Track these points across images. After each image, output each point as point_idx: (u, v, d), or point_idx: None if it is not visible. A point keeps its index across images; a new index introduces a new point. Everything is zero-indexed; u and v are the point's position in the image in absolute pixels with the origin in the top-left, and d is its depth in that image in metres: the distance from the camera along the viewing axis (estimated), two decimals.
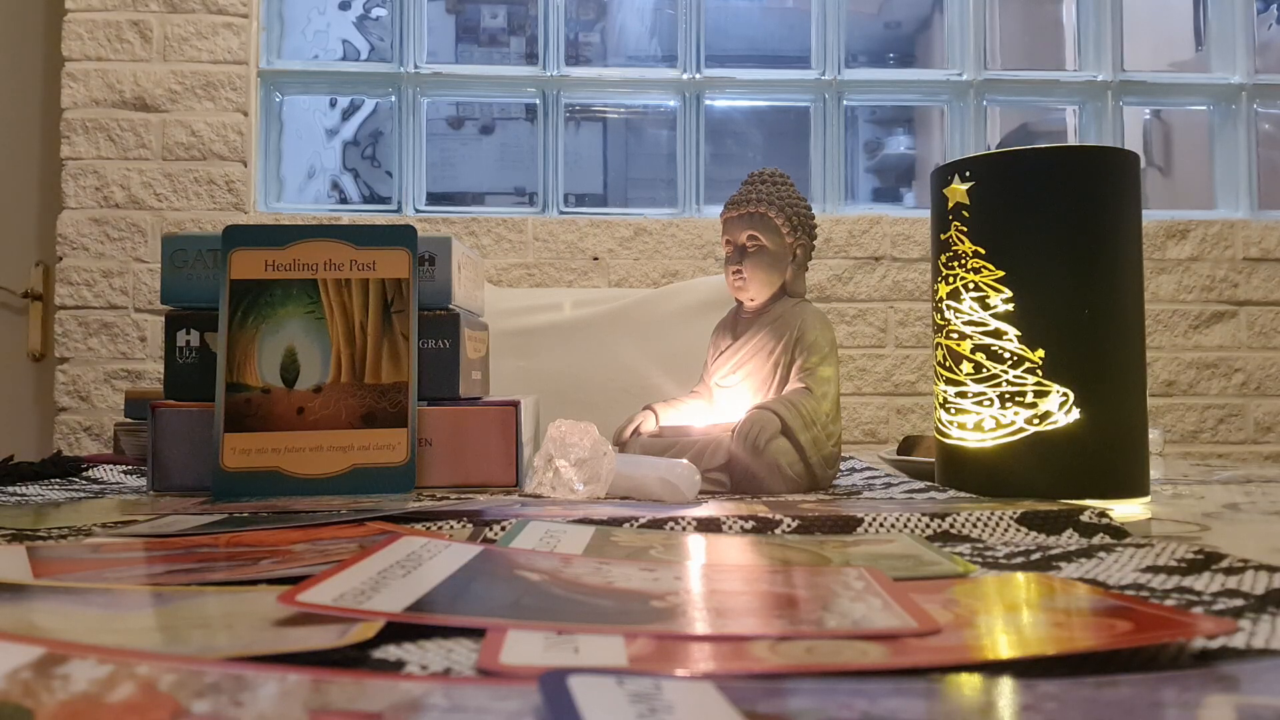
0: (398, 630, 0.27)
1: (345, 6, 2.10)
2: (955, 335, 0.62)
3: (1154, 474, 0.81)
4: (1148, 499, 0.60)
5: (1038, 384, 0.59)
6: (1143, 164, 1.23)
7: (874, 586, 0.32)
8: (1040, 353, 0.59)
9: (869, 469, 0.81)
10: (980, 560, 0.41)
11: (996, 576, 0.35)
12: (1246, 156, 1.91)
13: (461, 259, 0.73)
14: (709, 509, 0.53)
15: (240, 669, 0.22)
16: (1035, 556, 0.42)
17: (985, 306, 0.61)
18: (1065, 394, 0.58)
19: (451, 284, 0.69)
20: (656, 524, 0.48)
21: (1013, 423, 0.59)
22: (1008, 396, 0.59)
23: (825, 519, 0.48)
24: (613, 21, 2.33)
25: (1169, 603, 0.32)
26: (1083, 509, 0.49)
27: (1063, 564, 0.40)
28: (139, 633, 0.27)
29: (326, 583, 0.29)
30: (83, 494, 0.66)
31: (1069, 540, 0.46)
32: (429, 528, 0.47)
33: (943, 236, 0.64)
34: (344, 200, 2.12)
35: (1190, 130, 2.23)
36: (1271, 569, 0.37)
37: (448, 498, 0.61)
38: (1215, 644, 0.26)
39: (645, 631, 0.27)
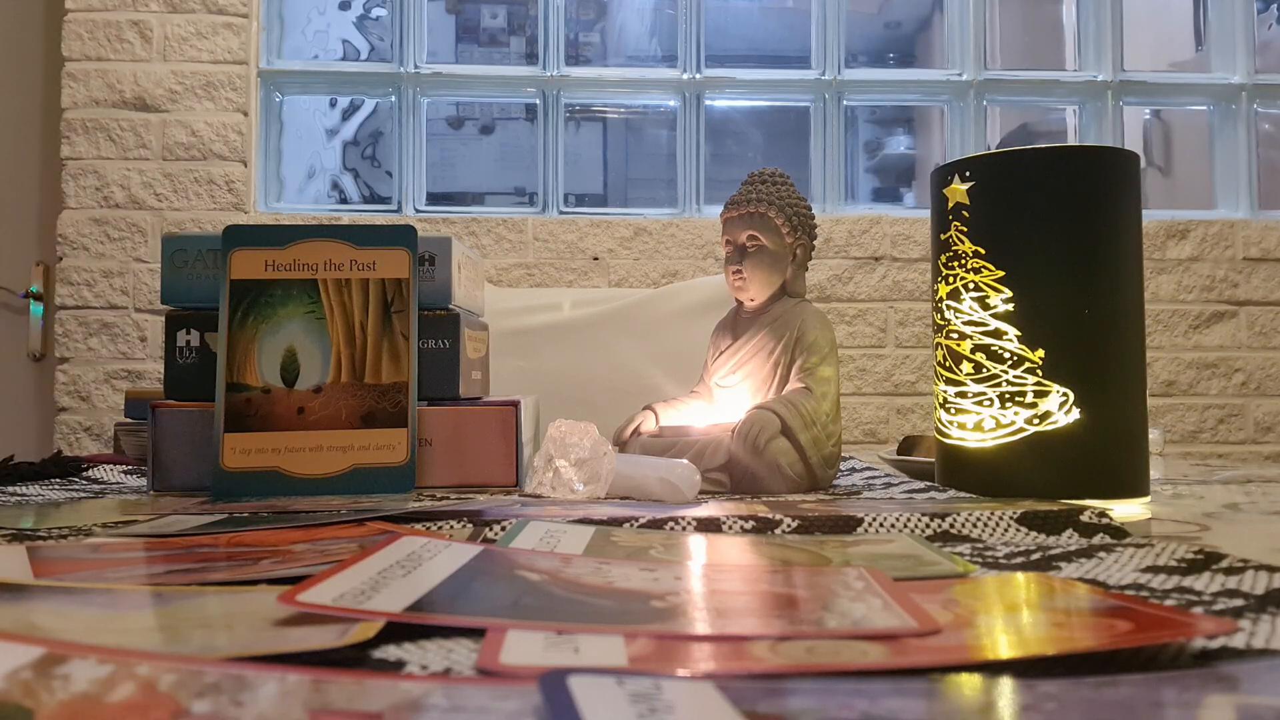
0: (398, 630, 0.27)
1: (345, 6, 2.10)
2: (955, 335, 0.62)
3: (1154, 474, 0.81)
4: (1148, 499, 0.60)
5: (1038, 384, 0.59)
6: (1143, 164, 1.23)
7: (874, 586, 0.32)
8: (1040, 353, 0.59)
9: (869, 469, 0.81)
10: (980, 560, 0.41)
11: (996, 576, 0.35)
12: (1246, 156, 1.91)
13: (461, 259, 0.73)
14: (709, 509, 0.53)
15: (240, 669, 0.22)
16: (1035, 556, 0.42)
17: (985, 306, 0.61)
18: (1065, 394, 0.58)
19: (451, 284, 0.69)
20: (656, 524, 0.48)
21: (1013, 423, 0.59)
22: (1008, 396, 0.59)
23: (825, 519, 0.48)
24: (613, 21, 2.33)
25: (1169, 603, 0.32)
26: (1083, 509, 0.49)
27: (1063, 564, 0.40)
28: (139, 633, 0.27)
29: (326, 583, 0.29)
30: (83, 494, 0.66)
31: (1069, 540, 0.46)
32: (429, 528, 0.47)
33: (943, 236, 0.64)
34: (344, 200, 2.12)
35: (1190, 130, 2.23)
36: (1271, 569, 0.37)
37: (448, 498, 0.61)
38: (1215, 644, 0.26)
39: (645, 631, 0.27)
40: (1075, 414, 0.58)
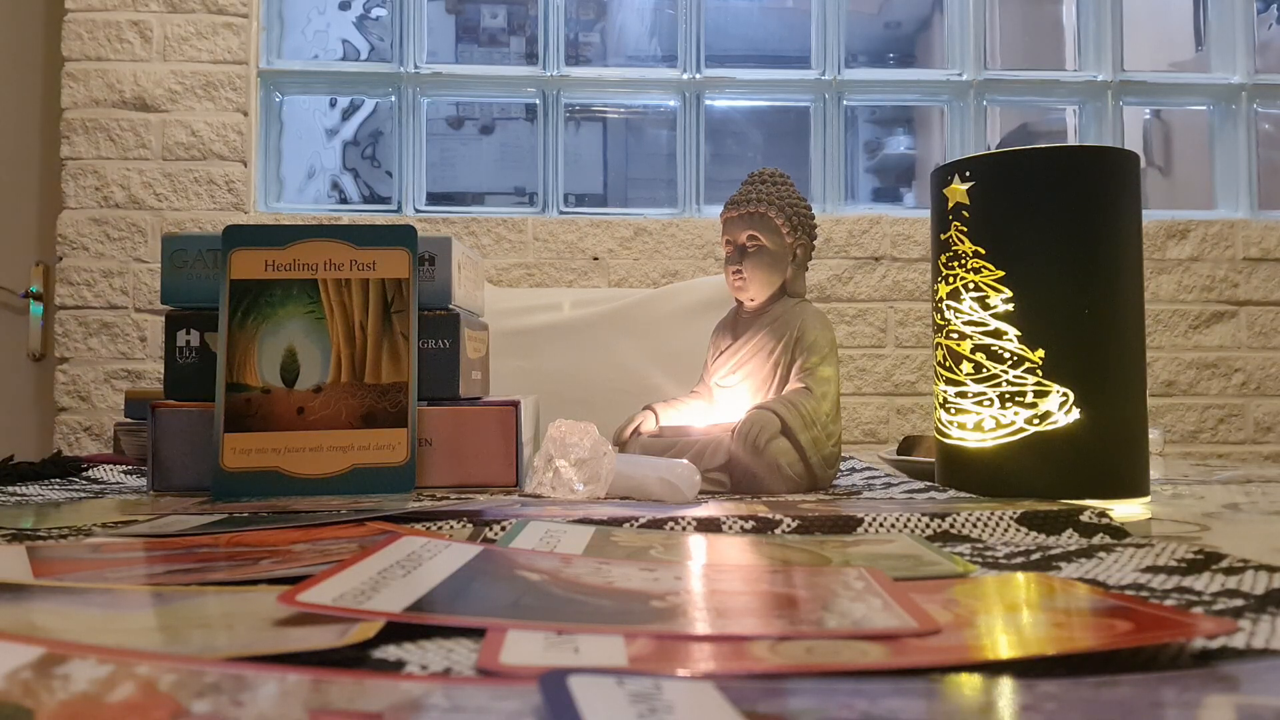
0: (398, 630, 0.27)
1: (345, 6, 2.10)
2: (955, 335, 0.62)
3: (1154, 474, 0.81)
4: (1148, 499, 0.60)
5: (1038, 384, 0.59)
6: (1143, 164, 1.23)
7: (874, 586, 0.32)
8: (1040, 353, 0.59)
9: (869, 469, 0.81)
10: (980, 560, 0.41)
11: (996, 576, 0.35)
12: (1246, 156, 1.91)
13: (461, 259, 0.73)
14: (709, 509, 0.53)
15: (240, 669, 0.22)
16: (1035, 556, 0.42)
17: (985, 306, 0.61)
18: (1065, 394, 0.58)
19: (451, 284, 0.69)
20: (656, 524, 0.48)
21: (1013, 423, 0.59)
22: (1008, 396, 0.59)
23: (825, 519, 0.48)
24: (613, 21, 2.33)
25: (1169, 603, 0.32)
26: (1083, 509, 0.49)
27: (1063, 564, 0.40)
28: (139, 633, 0.27)
29: (326, 583, 0.29)
30: (83, 494, 0.66)
31: (1069, 540, 0.46)
32: (429, 528, 0.47)
33: (943, 236, 0.64)
34: (344, 200, 2.12)
35: (1190, 130, 2.23)
36: (1271, 569, 0.37)
37: (448, 498, 0.61)
38: (1215, 644, 0.26)
39: (645, 631, 0.27)
40: (1075, 414, 0.58)
